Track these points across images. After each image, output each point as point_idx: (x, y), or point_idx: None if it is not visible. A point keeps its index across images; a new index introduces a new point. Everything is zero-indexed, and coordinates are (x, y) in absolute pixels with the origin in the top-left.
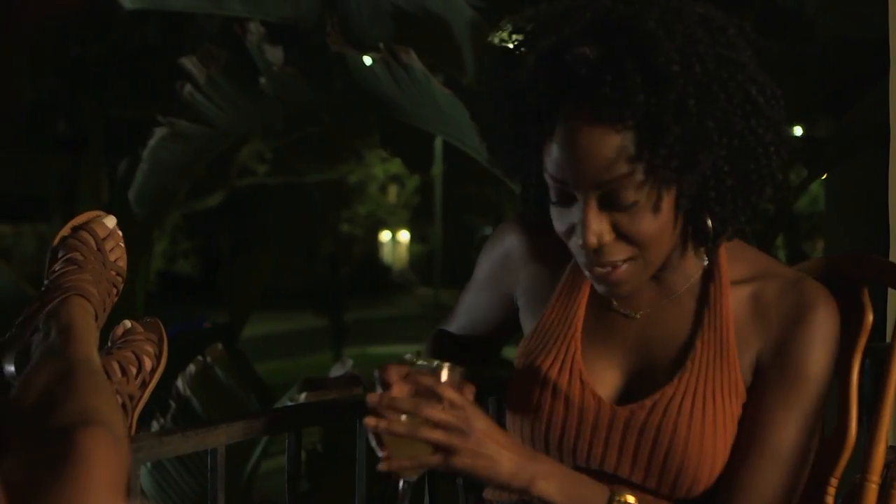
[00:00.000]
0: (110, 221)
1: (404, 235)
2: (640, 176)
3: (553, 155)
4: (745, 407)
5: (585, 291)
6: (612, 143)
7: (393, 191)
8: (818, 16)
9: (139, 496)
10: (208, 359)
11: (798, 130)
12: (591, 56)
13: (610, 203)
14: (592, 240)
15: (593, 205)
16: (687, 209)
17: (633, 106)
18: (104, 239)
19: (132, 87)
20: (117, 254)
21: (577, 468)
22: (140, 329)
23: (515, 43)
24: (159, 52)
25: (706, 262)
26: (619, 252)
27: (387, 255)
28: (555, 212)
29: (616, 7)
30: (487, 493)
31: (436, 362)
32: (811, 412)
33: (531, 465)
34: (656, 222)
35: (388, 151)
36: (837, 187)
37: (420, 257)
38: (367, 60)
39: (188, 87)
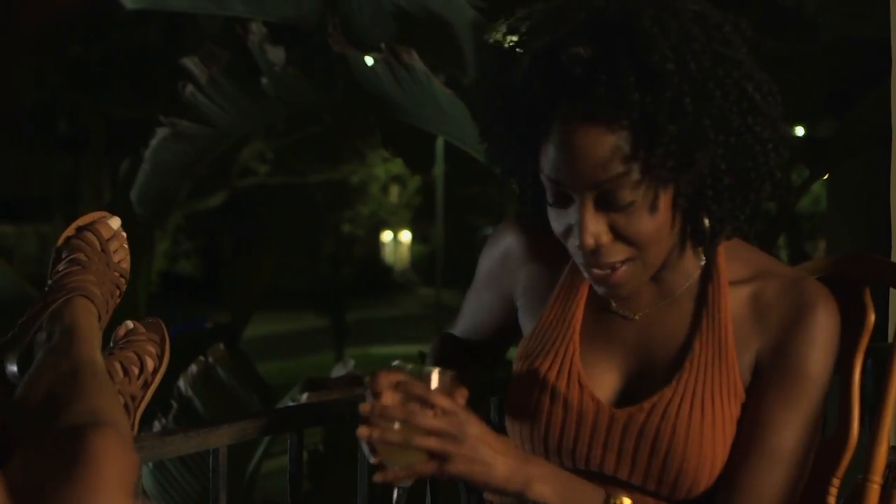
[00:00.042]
0: (115, 223)
1: (406, 236)
2: (636, 175)
3: (549, 156)
4: (744, 407)
5: (584, 292)
6: (607, 143)
7: (394, 191)
8: (819, 15)
9: (141, 496)
10: (210, 359)
11: (800, 130)
12: (585, 56)
13: (606, 203)
14: (589, 241)
15: (590, 205)
16: (685, 208)
17: (629, 105)
18: (108, 240)
19: (134, 87)
20: (121, 255)
21: (576, 470)
22: (142, 329)
23: (510, 43)
24: (161, 53)
25: (703, 262)
26: (618, 253)
27: (388, 255)
28: (552, 213)
29: (610, 6)
30: (487, 495)
31: (426, 368)
32: (811, 412)
33: (526, 469)
34: (654, 222)
35: (389, 151)
36: (839, 187)
37: (422, 257)
38: (369, 61)
39: (190, 88)
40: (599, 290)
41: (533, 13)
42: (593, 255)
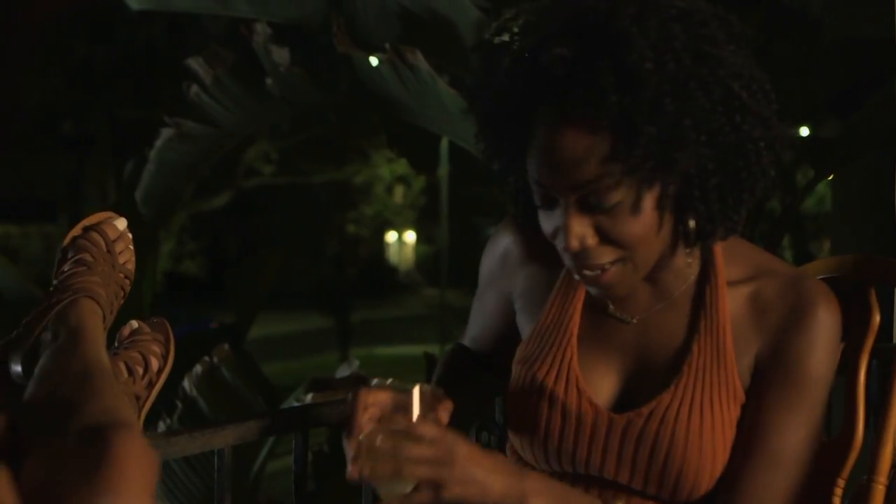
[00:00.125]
0: (121, 224)
1: (410, 236)
2: (618, 177)
3: (533, 158)
4: (745, 409)
5: (581, 295)
6: (587, 145)
7: (399, 191)
8: (824, 16)
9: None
10: (215, 359)
11: (805, 131)
12: (565, 56)
13: (590, 205)
14: (574, 243)
15: (573, 208)
16: (674, 209)
17: (607, 106)
18: (114, 241)
19: (138, 87)
20: (126, 256)
21: (576, 475)
22: (147, 329)
23: (498, 44)
24: (165, 53)
25: (700, 263)
26: (605, 255)
27: (393, 255)
28: (541, 214)
29: (593, 6)
30: None
31: (407, 384)
32: (812, 414)
33: (521, 484)
34: (639, 224)
35: (394, 152)
36: (844, 188)
37: (426, 258)
38: (374, 61)
39: (194, 88)
40: (591, 290)
41: (520, 13)
42: (580, 256)
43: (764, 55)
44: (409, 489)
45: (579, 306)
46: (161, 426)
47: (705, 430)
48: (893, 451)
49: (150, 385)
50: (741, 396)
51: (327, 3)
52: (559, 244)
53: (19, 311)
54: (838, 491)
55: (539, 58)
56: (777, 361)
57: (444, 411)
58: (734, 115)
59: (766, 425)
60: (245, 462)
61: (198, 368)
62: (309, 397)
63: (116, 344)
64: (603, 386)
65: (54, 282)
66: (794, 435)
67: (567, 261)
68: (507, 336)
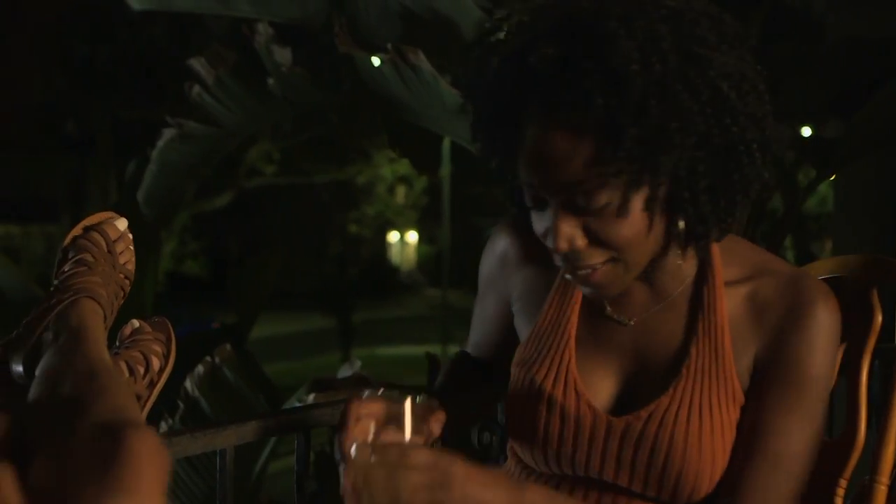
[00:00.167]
0: (122, 224)
1: (412, 236)
2: (604, 179)
3: (522, 158)
4: (745, 411)
5: (578, 297)
6: (573, 146)
7: (401, 191)
8: (827, 16)
9: None
10: (217, 359)
11: (807, 131)
12: (552, 57)
13: (578, 207)
14: (563, 245)
15: (562, 209)
16: (664, 211)
17: (593, 108)
18: (115, 241)
19: (140, 88)
20: (126, 257)
21: (576, 477)
22: (148, 329)
23: (490, 43)
24: (167, 53)
25: (697, 264)
26: (595, 256)
27: (395, 255)
28: (533, 215)
29: (582, 6)
30: None
31: (398, 393)
32: (813, 415)
33: (521, 497)
34: (628, 225)
35: (396, 152)
36: (846, 188)
37: (428, 258)
38: (376, 61)
39: (196, 88)
40: (584, 290)
41: (513, 13)
42: (570, 257)
43: (766, 55)
44: None
45: (577, 308)
46: (163, 426)
47: (704, 432)
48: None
49: (152, 384)
50: (740, 398)
51: (329, 2)
52: (549, 245)
53: (21, 310)
54: (840, 491)
55: (528, 58)
56: (776, 362)
57: (437, 423)
58: (724, 117)
59: (766, 427)
60: (247, 462)
61: (200, 369)
62: (311, 397)
63: (118, 343)
64: (601, 388)
65: (55, 282)
66: (794, 436)
67: (558, 261)
68: (509, 341)
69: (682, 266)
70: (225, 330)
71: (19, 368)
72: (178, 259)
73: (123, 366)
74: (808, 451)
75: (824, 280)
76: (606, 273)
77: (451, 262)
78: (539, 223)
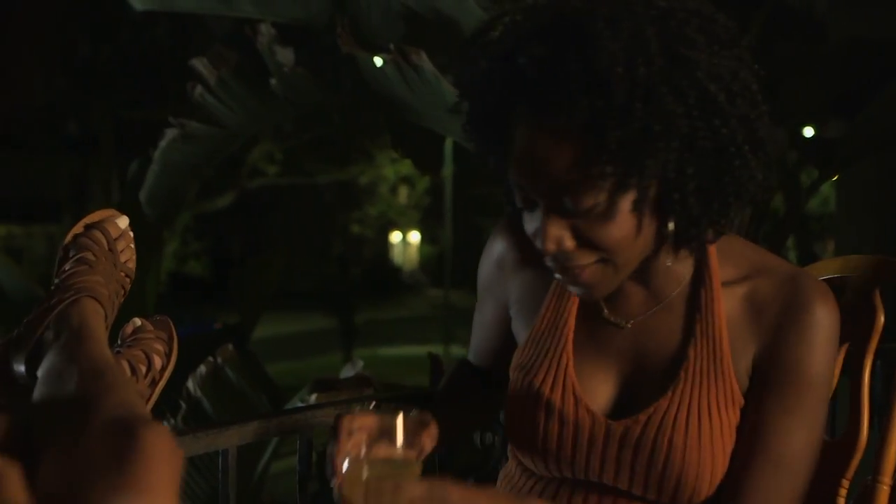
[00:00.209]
0: (123, 222)
1: (414, 236)
2: (590, 181)
3: (511, 159)
4: (745, 412)
5: (575, 299)
6: (559, 148)
7: (403, 192)
8: (829, 16)
9: None
10: (219, 360)
11: (809, 131)
12: (540, 57)
13: (566, 208)
14: (551, 246)
15: (550, 210)
16: (654, 212)
17: (578, 109)
18: (116, 239)
19: (143, 88)
20: (127, 255)
21: (576, 480)
22: (150, 327)
23: (482, 43)
24: (170, 54)
25: (694, 265)
26: (584, 257)
27: (397, 255)
28: (524, 215)
29: (571, 5)
30: None
31: (390, 408)
32: (814, 415)
33: None
34: (616, 227)
35: (398, 152)
36: (848, 188)
37: (430, 258)
38: (378, 61)
39: (199, 89)
40: (574, 290)
41: (506, 12)
42: (559, 258)
43: (767, 55)
44: None
45: (574, 311)
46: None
47: (703, 435)
48: None
49: (154, 383)
50: (739, 400)
51: (332, 3)
52: (538, 245)
53: (23, 311)
54: (843, 492)
55: (517, 58)
56: (775, 362)
57: (429, 439)
58: (712, 119)
59: (767, 428)
60: (249, 462)
61: (202, 369)
62: (313, 398)
63: (119, 342)
64: (600, 392)
65: (56, 280)
66: (796, 437)
67: (548, 261)
68: (509, 346)
69: (679, 267)
70: (227, 330)
71: (21, 368)
72: (180, 259)
73: (125, 365)
74: (811, 451)
75: (827, 280)
76: (595, 273)
77: (454, 262)
78: (529, 223)
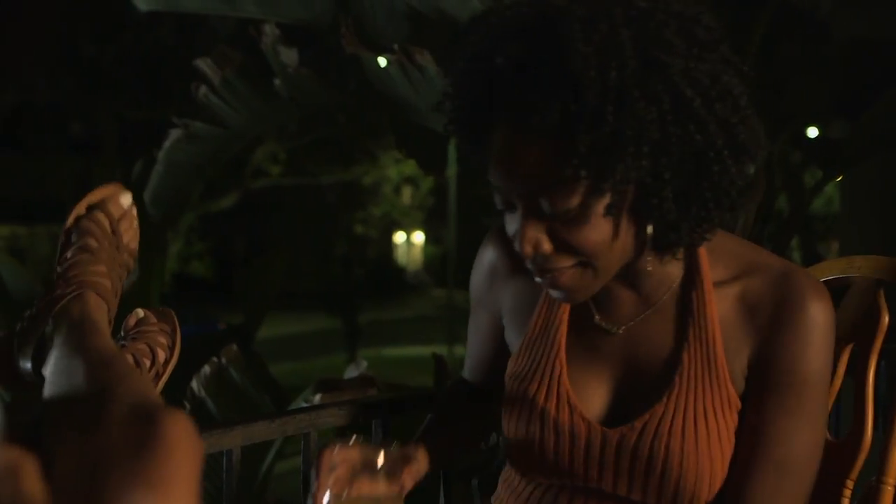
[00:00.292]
0: (126, 199)
1: (418, 237)
2: (564, 184)
3: (490, 161)
4: (743, 415)
5: (566, 306)
6: (533, 151)
7: (407, 192)
8: (834, 16)
9: None
10: (223, 360)
11: (813, 131)
12: (515, 58)
13: (542, 211)
14: (528, 249)
15: (527, 212)
16: (635, 216)
17: (551, 111)
18: (119, 219)
19: (147, 88)
20: (130, 234)
21: (575, 487)
22: (153, 319)
23: (466, 42)
24: (174, 54)
25: (684, 267)
26: (563, 261)
27: (401, 256)
28: (505, 217)
29: (551, 3)
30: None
31: (373, 448)
32: (815, 414)
33: None
34: (593, 231)
35: (402, 153)
36: (853, 189)
37: (434, 258)
38: (382, 62)
39: (203, 89)
40: (553, 294)
41: (491, 11)
42: (538, 261)
43: (772, 55)
44: None
45: (565, 318)
46: None
47: (700, 440)
48: None
49: (158, 377)
50: (736, 402)
51: (336, 3)
52: (517, 248)
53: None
54: (847, 493)
55: (494, 58)
56: (771, 363)
57: (409, 476)
58: (687, 125)
59: (768, 433)
60: (253, 462)
61: (206, 369)
62: (317, 398)
63: (122, 334)
64: (594, 399)
65: (58, 269)
66: (798, 438)
67: (528, 264)
68: (505, 356)
69: (668, 269)
70: (231, 330)
71: (27, 366)
72: (184, 260)
73: (129, 358)
74: (814, 451)
75: (832, 280)
76: (574, 277)
77: (457, 262)
78: (510, 225)
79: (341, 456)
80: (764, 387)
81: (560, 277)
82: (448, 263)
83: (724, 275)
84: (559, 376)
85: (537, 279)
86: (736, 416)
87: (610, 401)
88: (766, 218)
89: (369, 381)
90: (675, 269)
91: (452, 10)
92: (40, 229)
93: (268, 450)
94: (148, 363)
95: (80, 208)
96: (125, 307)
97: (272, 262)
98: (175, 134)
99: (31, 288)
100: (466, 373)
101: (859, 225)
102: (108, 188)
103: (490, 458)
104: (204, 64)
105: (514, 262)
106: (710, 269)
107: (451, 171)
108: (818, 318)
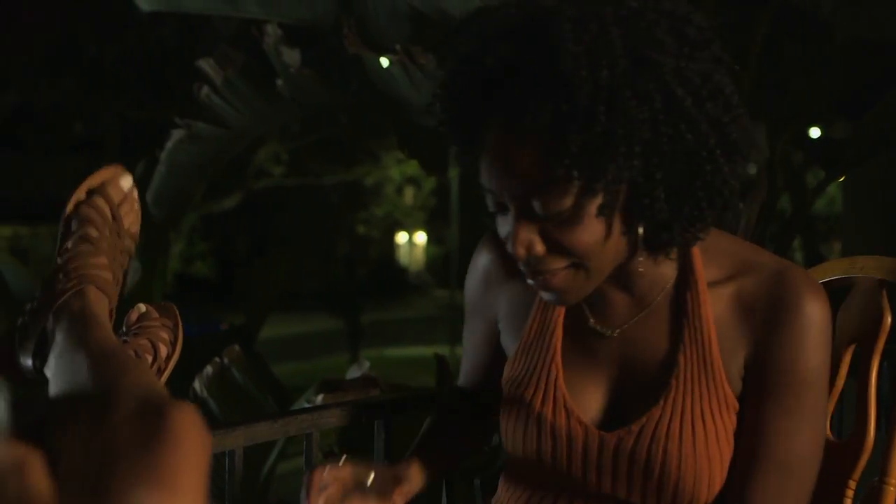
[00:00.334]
0: (126, 182)
1: (421, 237)
2: (556, 185)
3: (482, 162)
4: (742, 416)
5: (560, 309)
6: (524, 152)
7: (409, 192)
8: (836, 16)
9: None
10: (225, 360)
11: (815, 131)
12: (506, 58)
13: (535, 212)
14: (520, 250)
15: (519, 214)
16: (627, 217)
17: (542, 112)
18: (120, 204)
19: (149, 88)
20: (131, 218)
21: (574, 491)
22: (155, 314)
23: (458, 42)
24: (176, 54)
25: (678, 267)
26: (555, 262)
27: (403, 256)
28: (497, 219)
29: (541, 3)
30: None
31: (364, 469)
32: (815, 414)
33: None
34: (586, 232)
35: (404, 153)
36: (855, 189)
37: (436, 259)
38: (384, 62)
39: (205, 89)
40: (545, 296)
41: (483, 11)
42: (531, 262)
43: (774, 55)
44: None
45: (560, 321)
46: None
47: (698, 442)
48: None
49: (159, 372)
50: (733, 403)
51: (338, 4)
52: (509, 250)
53: None
54: (849, 493)
55: (484, 58)
56: (768, 364)
57: (400, 496)
58: (678, 124)
59: (767, 434)
60: (256, 463)
61: (208, 369)
62: (319, 398)
63: (124, 329)
64: (591, 403)
65: (58, 260)
66: (799, 438)
67: (520, 266)
68: (501, 362)
69: (661, 270)
70: (233, 331)
71: (29, 363)
72: (186, 260)
73: (131, 354)
74: (815, 450)
75: (834, 281)
76: (566, 278)
77: (460, 262)
78: (502, 227)
79: (332, 475)
80: (762, 387)
81: (552, 279)
82: (450, 264)
83: (718, 274)
84: (555, 381)
85: (529, 281)
86: (734, 418)
87: (606, 404)
88: (768, 218)
89: (372, 381)
90: (668, 270)
91: (454, 10)
92: (42, 229)
93: (270, 450)
94: (150, 358)
95: (80, 193)
96: (127, 306)
97: (274, 262)
98: (177, 134)
99: (34, 288)
100: (462, 378)
101: (862, 225)
102: (109, 170)
103: (492, 458)
104: (206, 64)
105: (509, 267)
106: (704, 269)
107: (454, 171)
108: (814, 316)
